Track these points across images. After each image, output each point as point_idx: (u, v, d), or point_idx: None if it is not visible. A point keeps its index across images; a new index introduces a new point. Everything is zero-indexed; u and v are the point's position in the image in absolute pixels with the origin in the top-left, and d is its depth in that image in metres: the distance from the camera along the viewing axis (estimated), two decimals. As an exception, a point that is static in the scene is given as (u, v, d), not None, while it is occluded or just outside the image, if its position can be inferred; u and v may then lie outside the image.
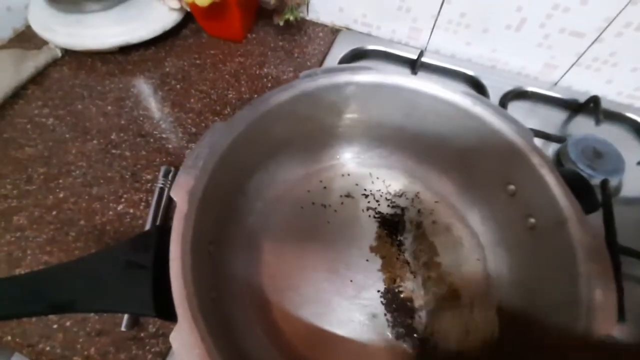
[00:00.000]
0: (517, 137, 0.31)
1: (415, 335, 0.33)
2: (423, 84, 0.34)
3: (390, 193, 0.41)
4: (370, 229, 0.39)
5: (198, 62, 0.56)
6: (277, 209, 0.38)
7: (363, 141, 0.42)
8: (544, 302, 0.29)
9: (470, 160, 0.36)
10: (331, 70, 0.34)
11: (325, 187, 0.41)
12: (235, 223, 0.34)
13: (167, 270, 0.23)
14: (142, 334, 0.34)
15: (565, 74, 0.54)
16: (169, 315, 0.23)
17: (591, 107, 0.51)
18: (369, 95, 0.36)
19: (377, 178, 0.42)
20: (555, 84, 0.56)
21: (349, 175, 0.42)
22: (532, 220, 0.31)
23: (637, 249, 0.38)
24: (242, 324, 0.30)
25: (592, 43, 0.49)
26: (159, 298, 0.23)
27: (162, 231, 0.25)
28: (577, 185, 0.30)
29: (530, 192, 0.31)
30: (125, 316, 0.34)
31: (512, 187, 0.33)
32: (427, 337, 0.33)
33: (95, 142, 0.47)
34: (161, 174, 0.43)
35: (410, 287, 0.35)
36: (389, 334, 0.33)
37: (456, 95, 0.33)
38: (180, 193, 0.25)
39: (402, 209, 0.40)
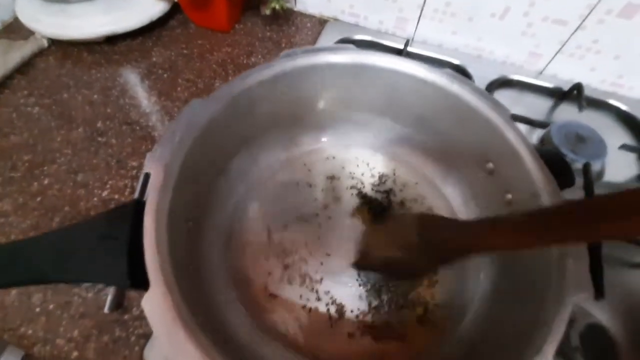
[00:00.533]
0: (494, 113, 0.31)
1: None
2: (402, 63, 0.34)
3: (374, 176, 0.42)
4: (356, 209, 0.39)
5: (185, 52, 0.56)
6: (260, 191, 0.38)
7: (346, 124, 0.42)
8: (521, 277, 0.29)
9: (450, 139, 0.37)
10: (311, 50, 0.34)
11: (310, 170, 0.41)
12: (217, 204, 0.34)
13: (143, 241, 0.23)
14: (125, 317, 0.34)
15: (550, 62, 0.55)
16: (145, 286, 0.23)
17: (575, 94, 0.51)
18: (350, 75, 0.36)
19: (362, 161, 0.42)
20: (541, 72, 0.56)
21: (334, 158, 0.42)
22: (509, 196, 0.32)
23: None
24: (222, 302, 0.30)
25: (575, 30, 0.50)
26: (135, 270, 0.23)
27: (140, 205, 0.25)
28: (554, 162, 0.30)
29: (507, 168, 0.32)
30: (109, 298, 0.33)
31: (490, 164, 0.34)
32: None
33: (80, 130, 0.47)
34: (147, 160, 0.43)
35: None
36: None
37: (434, 75, 0.33)
38: (156, 165, 0.25)
39: (387, 193, 0.40)
